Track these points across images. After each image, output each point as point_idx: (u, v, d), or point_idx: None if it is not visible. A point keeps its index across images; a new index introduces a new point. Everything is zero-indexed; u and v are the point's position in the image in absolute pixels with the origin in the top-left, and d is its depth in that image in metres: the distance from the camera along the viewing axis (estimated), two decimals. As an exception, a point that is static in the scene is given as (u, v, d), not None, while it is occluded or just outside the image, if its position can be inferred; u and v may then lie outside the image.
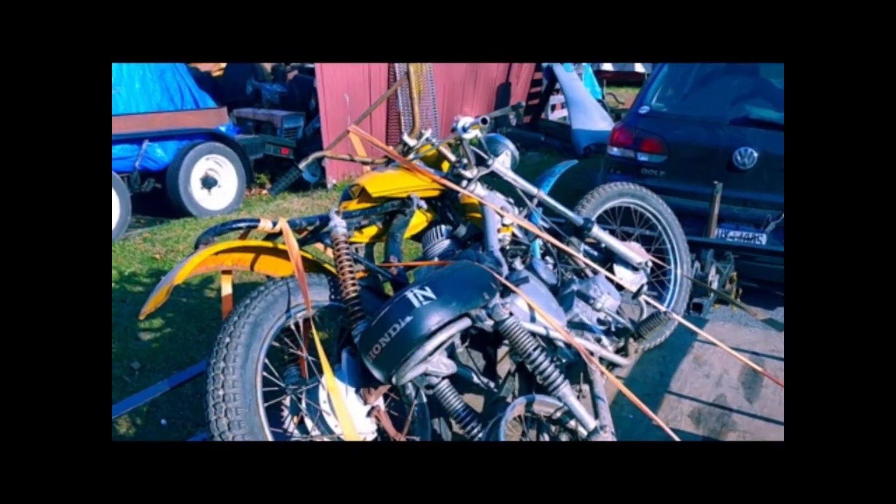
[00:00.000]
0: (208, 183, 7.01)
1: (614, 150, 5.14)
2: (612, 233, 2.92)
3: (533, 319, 1.95)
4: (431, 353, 1.71)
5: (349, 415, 1.60)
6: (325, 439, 1.75)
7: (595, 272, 2.44)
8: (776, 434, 2.30)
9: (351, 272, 1.92)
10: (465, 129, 2.32)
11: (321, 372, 1.79)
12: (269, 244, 1.99)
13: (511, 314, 1.79)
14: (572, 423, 1.83)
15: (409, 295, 1.65)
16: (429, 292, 1.66)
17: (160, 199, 6.90)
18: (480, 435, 1.79)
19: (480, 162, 2.48)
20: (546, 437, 1.86)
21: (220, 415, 1.53)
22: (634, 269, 2.86)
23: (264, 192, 8.34)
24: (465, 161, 2.44)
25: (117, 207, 6.13)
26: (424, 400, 1.98)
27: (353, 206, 2.32)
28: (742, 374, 2.75)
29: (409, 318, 1.62)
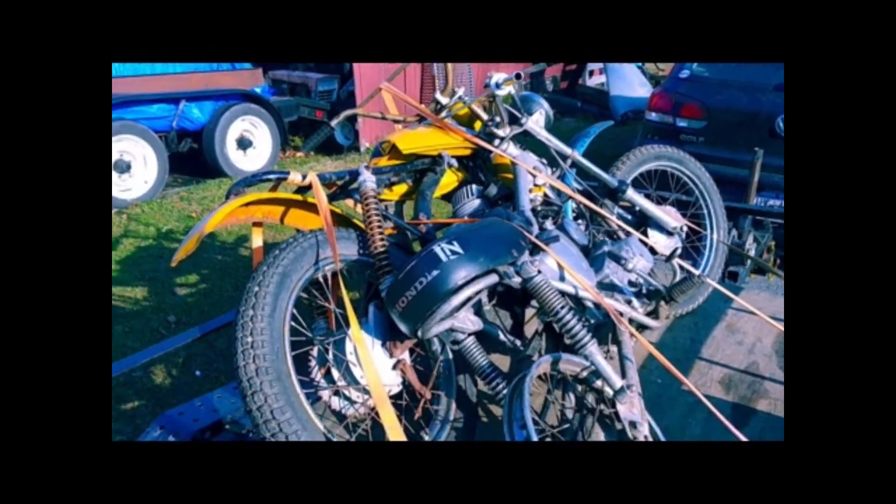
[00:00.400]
0: (243, 144, 7.07)
1: (653, 116, 5.01)
2: (648, 196, 2.85)
3: (562, 279, 1.93)
4: (458, 309, 1.71)
5: (374, 365, 1.61)
6: (352, 389, 1.76)
7: (628, 234, 2.39)
8: (809, 403, 2.26)
9: (379, 227, 1.92)
10: (498, 86, 2.27)
11: (348, 324, 1.80)
12: (298, 197, 1.99)
13: (539, 272, 1.77)
14: (598, 383, 1.81)
15: (437, 249, 1.64)
16: (456, 247, 1.64)
17: (197, 159, 6.99)
18: (505, 392, 1.79)
19: (514, 121, 2.43)
20: (572, 397, 1.85)
21: (249, 361, 1.55)
22: (669, 233, 2.80)
23: (299, 154, 8.38)
24: (497, 119, 2.39)
25: (155, 166, 6.23)
26: (450, 356, 1.98)
27: (384, 162, 2.30)
28: (776, 343, 2.69)
29: (435, 272, 1.62)
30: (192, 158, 7.03)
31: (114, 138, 5.91)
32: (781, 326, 2.20)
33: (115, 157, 5.98)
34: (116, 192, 6.00)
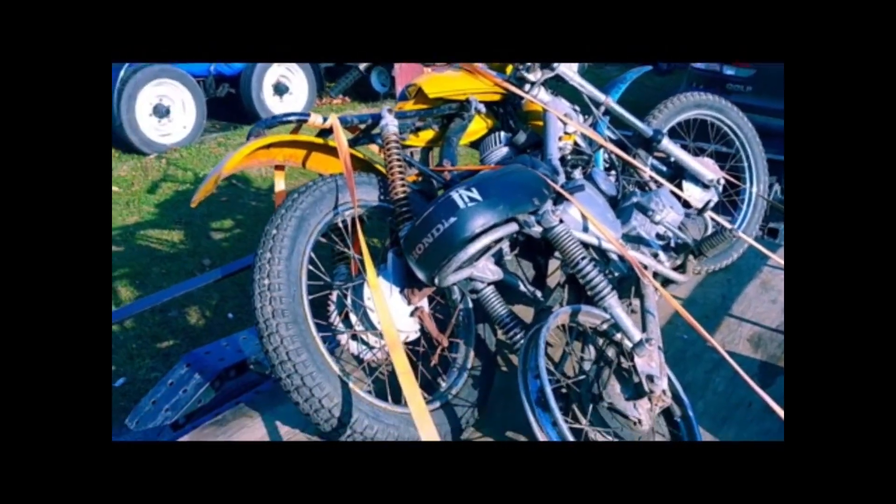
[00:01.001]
0: (280, 90, 7.05)
1: (699, 63, 4.79)
2: (685, 147, 2.74)
3: (585, 229, 1.88)
4: (475, 257, 1.68)
5: (389, 310, 1.61)
6: (369, 335, 1.77)
7: (659, 185, 2.31)
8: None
9: (401, 172, 1.89)
10: (528, 28, 2.18)
11: (367, 270, 1.80)
12: (320, 140, 1.97)
13: (561, 221, 1.72)
14: (618, 336, 1.78)
15: (455, 195, 1.61)
16: (475, 193, 1.61)
17: (234, 105, 7.01)
18: (521, 341, 1.77)
19: (545, 65, 2.34)
20: (591, 349, 1.82)
21: (265, 303, 1.56)
22: (705, 186, 2.70)
23: (335, 101, 8.33)
24: (528, 63, 2.31)
25: (193, 111, 6.27)
26: (470, 305, 1.97)
27: (409, 106, 2.26)
28: (812, 302, 2.60)
29: (452, 220, 1.59)
30: (229, 104, 7.05)
31: (152, 83, 5.96)
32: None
33: (154, 101, 6.03)
34: (156, 136, 6.07)
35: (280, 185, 2.05)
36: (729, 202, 2.93)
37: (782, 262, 2.22)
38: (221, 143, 6.27)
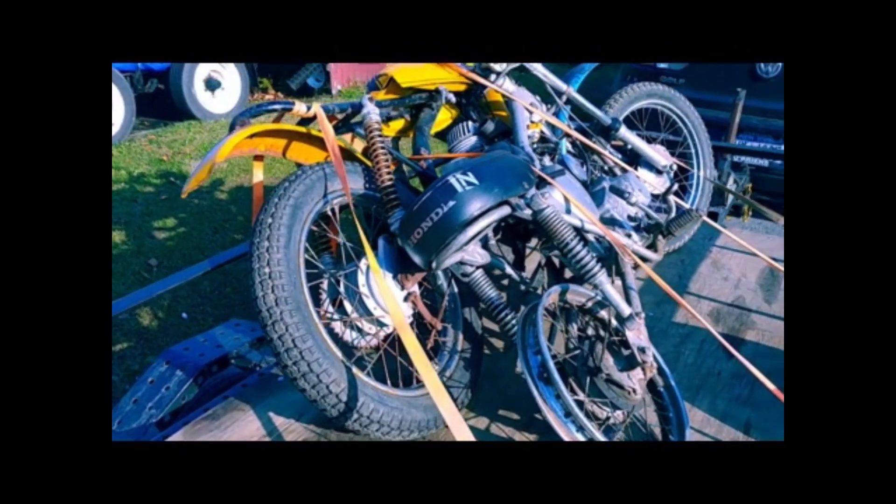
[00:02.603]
0: (211, 85, 6.85)
1: (632, 57, 4.98)
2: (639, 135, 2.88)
3: (568, 212, 1.95)
4: (472, 240, 1.72)
5: (393, 293, 1.62)
6: (364, 321, 1.78)
7: (624, 170, 2.42)
8: (794, 332, 2.37)
9: (386, 160, 1.90)
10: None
11: (358, 257, 1.80)
12: (302, 129, 1.95)
13: (549, 205, 1.79)
14: (602, 313, 1.87)
15: (452, 180, 1.64)
16: (471, 178, 1.65)
17: (164, 101, 6.76)
18: (515, 323, 1.83)
19: (511, 55, 2.40)
20: (575, 328, 1.90)
21: (267, 291, 1.55)
22: (658, 172, 2.84)
23: (267, 96, 8.16)
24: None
25: (121, 108, 6.01)
26: (456, 290, 2.01)
27: (381, 96, 2.27)
28: (760, 277, 2.79)
29: (452, 203, 1.62)
30: (158, 100, 6.79)
31: (76, 77, 5.66)
32: (773, 263, 2.28)
33: (78, 97, 5.73)
34: (82, 134, 5.77)
35: (259, 175, 2.02)
36: (679, 187, 3.09)
37: (739, 239, 2.37)
38: (153, 140, 6.04)
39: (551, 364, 1.56)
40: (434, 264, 1.71)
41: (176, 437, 1.72)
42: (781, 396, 1.72)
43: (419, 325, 1.91)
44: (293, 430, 1.79)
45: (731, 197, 3.84)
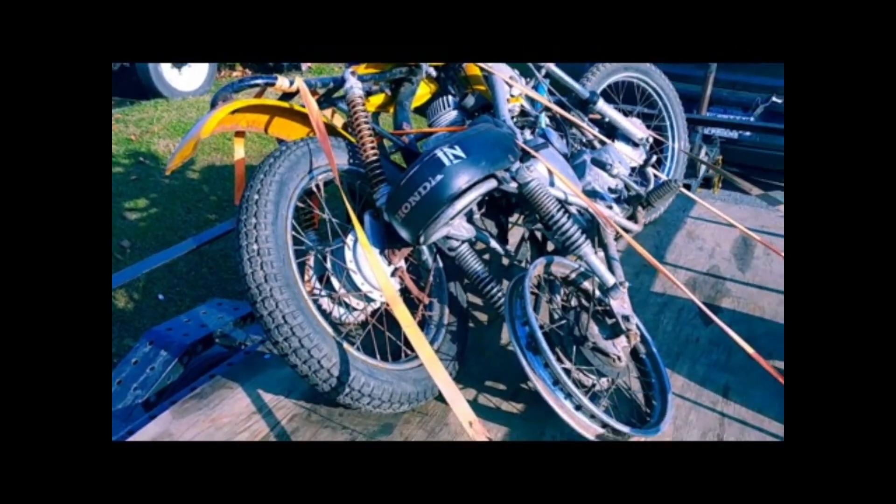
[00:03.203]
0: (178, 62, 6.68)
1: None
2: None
3: (552, 185, 1.97)
4: (459, 213, 1.73)
5: (383, 267, 1.63)
6: (351, 297, 1.79)
7: (602, 143, 2.45)
8: (767, 300, 2.44)
9: (370, 135, 1.89)
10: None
11: (344, 232, 1.80)
12: (284, 104, 1.93)
13: (534, 178, 1.80)
14: (586, 284, 1.90)
15: (440, 153, 1.65)
16: (458, 151, 1.65)
17: (129, 79, 6.57)
18: (501, 295, 1.85)
19: (490, 29, 2.40)
20: (559, 299, 1.93)
21: (256, 268, 1.54)
22: (635, 144, 2.88)
23: (234, 73, 8.00)
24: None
25: (84, 85, 5.83)
26: (441, 264, 2.02)
27: (362, 70, 2.25)
28: (734, 247, 2.86)
29: (440, 177, 1.63)
30: (124, 78, 6.60)
31: (36, 54, 5.47)
32: (749, 233, 2.33)
33: (38, 75, 5.54)
34: (44, 113, 5.60)
35: (240, 152, 2.00)
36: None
37: (717, 211, 2.42)
38: (119, 119, 5.87)
39: (539, 334, 1.59)
40: (422, 239, 1.72)
41: (164, 416, 1.71)
42: (760, 359, 1.78)
43: (406, 300, 1.92)
44: (282, 407, 1.80)
45: (703, 169, 3.91)
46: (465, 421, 1.32)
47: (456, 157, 1.64)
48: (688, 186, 3.77)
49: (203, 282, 3.66)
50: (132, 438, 1.65)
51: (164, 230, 4.10)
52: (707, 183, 4.53)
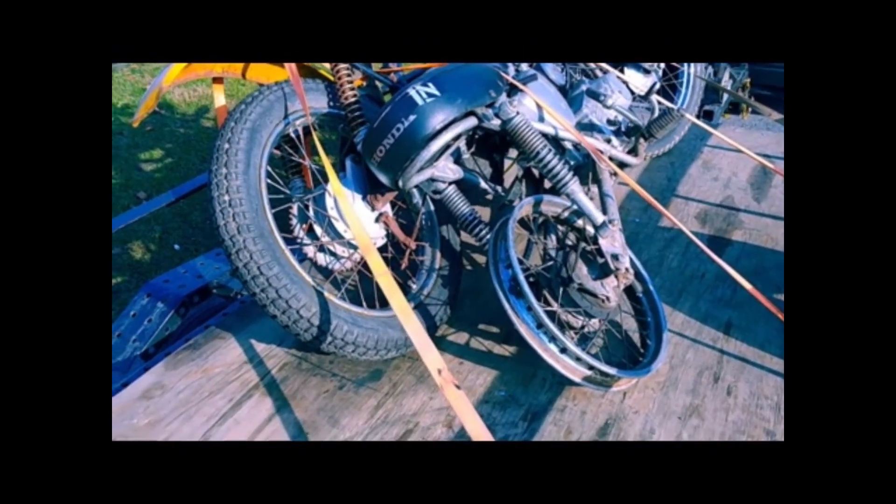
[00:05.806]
0: (191, 7, 6.59)
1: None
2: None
3: (541, 119, 1.88)
4: (437, 156, 1.66)
5: (357, 215, 1.59)
6: (336, 245, 1.76)
7: (605, 72, 2.32)
8: (782, 231, 2.32)
9: (349, 76, 1.82)
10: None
11: (326, 179, 1.76)
12: (259, 48, 1.86)
13: (518, 113, 1.72)
14: (579, 222, 1.83)
15: (412, 92, 1.57)
16: (432, 88, 1.57)
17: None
18: (489, 237, 1.80)
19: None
20: (553, 238, 1.87)
21: (229, 219, 1.52)
22: (646, 71, 2.72)
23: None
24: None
25: (98, 37, 5.82)
26: (432, 208, 1.97)
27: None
28: (751, 176, 2.72)
29: (412, 118, 1.56)
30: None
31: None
32: (762, 160, 2.21)
33: (52, 28, 5.54)
34: (61, 67, 5.62)
35: (220, 99, 1.95)
36: (668, 86, 2.97)
37: (725, 138, 2.29)
38: (135, 69, 5.87)
39: (521, 277, 1.54)
40: (400, 183, 1.66)
41: (157, 368, 1.74)
42: (759, 295, 1.71)
43: (394, 245, 1.89)
44: (274, 355, 1.81)
45: (726, 94, 3.70)
46: (434, 369, 1.29)
47: (429, 94, 1.56)
48: (711, 113, 3.59)
49: (218, 230, 3.69)
50: (126, 389, 1.68)
51: (178, 179, 4.12)
52: (735, 108, 4.30)
